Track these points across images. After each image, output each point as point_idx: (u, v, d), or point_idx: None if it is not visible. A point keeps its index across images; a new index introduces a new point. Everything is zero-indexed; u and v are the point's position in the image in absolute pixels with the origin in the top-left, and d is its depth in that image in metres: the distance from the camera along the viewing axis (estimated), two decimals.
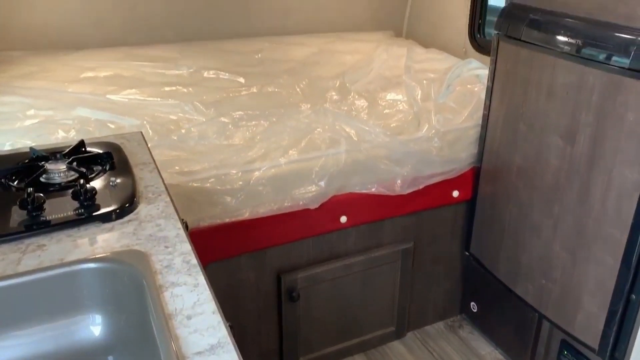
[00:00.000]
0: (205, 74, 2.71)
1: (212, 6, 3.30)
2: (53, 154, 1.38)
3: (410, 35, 3.79)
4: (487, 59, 2.75)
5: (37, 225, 1.12)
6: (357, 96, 2.43)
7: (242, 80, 2.64)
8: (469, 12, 3.28)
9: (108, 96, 2.35)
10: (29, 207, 1.13)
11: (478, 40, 3.28)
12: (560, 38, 1.76)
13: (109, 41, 3.11)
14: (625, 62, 1.57)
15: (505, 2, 2.08)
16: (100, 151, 1.43)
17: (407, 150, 2.08)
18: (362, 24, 3.76)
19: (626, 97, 1.58)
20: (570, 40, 1.73)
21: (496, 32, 2.05)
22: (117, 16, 3.12)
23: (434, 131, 2.15)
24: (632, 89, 1.56)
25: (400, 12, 3.82)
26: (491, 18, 3.29)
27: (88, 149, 1.46)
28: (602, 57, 1.64)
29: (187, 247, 1.08)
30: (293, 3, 3.52)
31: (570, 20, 1.76)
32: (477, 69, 2.73)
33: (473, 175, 2.29)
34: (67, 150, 1.40)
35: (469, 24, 3.30)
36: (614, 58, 1.61)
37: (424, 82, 2.53)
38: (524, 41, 1.91)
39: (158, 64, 2.78)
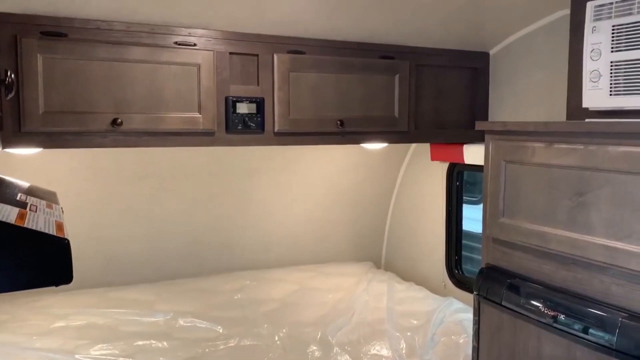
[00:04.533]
0: (182, 322, 2.63)
1: (193, 243, 3.36)
2: None
3: (389, 266, 3.85)
4: (468, 295, 2.76)
5: None
6: (339, 351, 2.35)
7: (219, 329, 2.56)
8: (444, 248, 3.39)
9: (77, 356, 2.22)
10: None
11: (456, 275, 3.33)
12: (542, 309, 1.76)
13: (86, 282, 3.07)
14: (612, 341, 1.55)
15: (482, 260, 2.13)
16: None
17: None
18: (342, 255, 3.83)
19: None
20: (552, 313, 1.73)
21: (476, 293, 2.06)
22: (97, 257, 3.13)
23: None
24: None
25: (378, 244, 3.94)
26: (468, 242, 3.41)
27: None
28: (586, 334, 1.62)
29: None
30: (274, 237, 3.61)
31: (547, 290, 1.78)
32: (460, 312, 2.71)
33: None
34: None
35: (445, 260, 3.38)
36: (599, 336, 1.59)
37: (408, 333, 2.47)
38: (505, 306, 1.91)
39: (133, 310, 2.71)
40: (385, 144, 2.93)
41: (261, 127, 2.40)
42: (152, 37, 2.20)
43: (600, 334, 1.59)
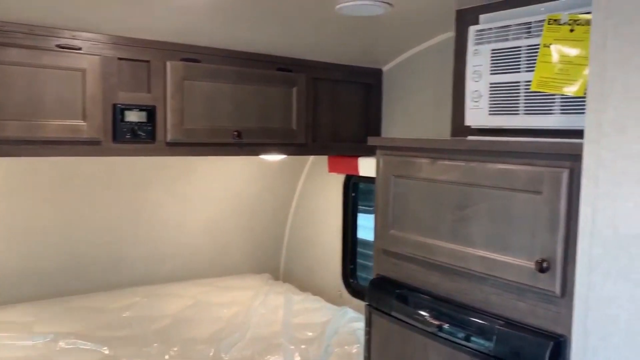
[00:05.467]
0: (63, 344, 2.44)
1: (77, 258, 3.13)
2: None
3: (287, 277, 3.84)
4: (363, 305, 2.81)
5: None
6: None
7: (105, 350, 2.41)
8: (340, 258, 3.45)
9: None
10: None
11: (352, 285, 3.39)
12: (428, 318, 1.83)
13: None
14: (490, 348, 1.64)
15: (373, 271, 2.18)
16: None
17: None
18: (240, 267, 3.77)
19: None
20: (437, 322, 1.79)
21: (367, 303, 2.10)
22: None
23: None
24: None
25: (277, 255, 3.93)
26: (366, 251, 3.48)
27: None
28: (468, 341, 1.70)
29: None
30: (168, 250, 3.48)
31: (433, 300, 1.85)
32: (353, 321, 2.76)
33: None
34: None
35: (341, 269, 3.43)
36: (480, 343, 1.67)
37: (302, 346, 2.47)
38: (394, 316, 1.96)
39: (8, 333, 2.48)
40: (283, 156, 2.93)
41: (152, 136, 2.30)
42: (31, 38, 2.04)
43: (481, 341, 1.67)
